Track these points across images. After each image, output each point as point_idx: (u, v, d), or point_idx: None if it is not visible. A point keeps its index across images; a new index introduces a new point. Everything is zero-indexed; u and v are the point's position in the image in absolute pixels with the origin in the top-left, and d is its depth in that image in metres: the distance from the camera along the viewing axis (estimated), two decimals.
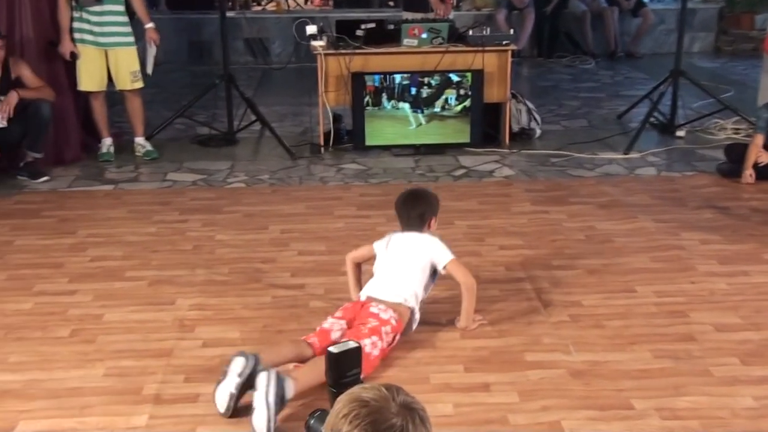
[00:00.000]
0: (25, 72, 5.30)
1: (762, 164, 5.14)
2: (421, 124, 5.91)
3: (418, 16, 6.36)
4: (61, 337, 3.39)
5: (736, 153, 5.35)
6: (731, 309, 3.57)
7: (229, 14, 8.10)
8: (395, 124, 5.89)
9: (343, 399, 1.54)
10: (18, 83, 5.26)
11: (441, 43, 5.87)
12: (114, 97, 6.09)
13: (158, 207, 4.91)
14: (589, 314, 3.54)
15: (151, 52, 5.87)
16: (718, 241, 4.31)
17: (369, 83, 5.79)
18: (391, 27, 6.06)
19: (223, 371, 2.85)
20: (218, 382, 2.84)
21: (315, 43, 5.92)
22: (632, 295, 3.72)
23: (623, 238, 4.37)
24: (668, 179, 5.40)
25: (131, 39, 5.73)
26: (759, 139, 5.14)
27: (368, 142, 5.92)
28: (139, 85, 5.84)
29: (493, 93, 5.97)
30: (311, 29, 5.97)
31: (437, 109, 5.88)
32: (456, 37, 5.97)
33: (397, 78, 5.80)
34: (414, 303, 3.31)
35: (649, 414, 2.82)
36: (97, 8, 5.54)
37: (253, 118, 6.35)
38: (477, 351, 3.24)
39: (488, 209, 4.82)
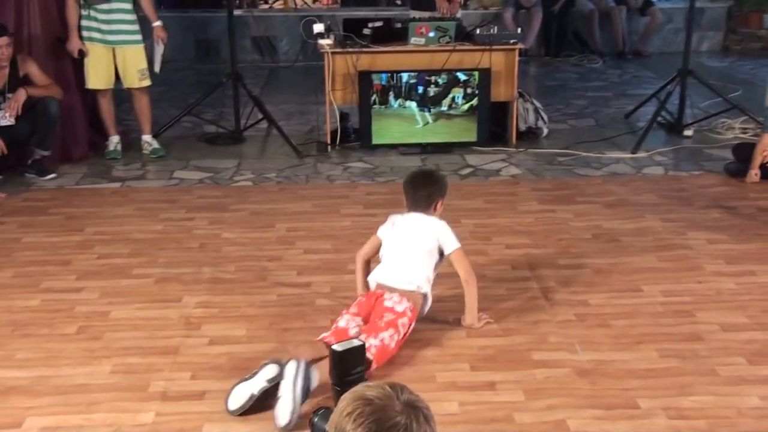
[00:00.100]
0: (33, 70, 5.32)
1: None
2: (428, 123, 5.91)
3: (426, 14, 6.35)
4: (68, 334, 3.40)
5: (744, 152, 5.33)
6: (738, 308, 3.57)
7: (237, 12, 8.13)
8: (402, 123, 5.89)
9: (347, 397, 1.54)
10: (26, 81, 5.28)
11: (448, 42, 5.87)
12: (121, 95, 6.11)
13: (165, 205, 4.92)
14: (596, 313, 3.53)
15: (159, 50, 5.88)
16: (725, 241, 4.30)
17: (376, 82, 5.79)
18: (399, 26, 6.07)
19: (252, 372, 2.85)
20: (242, 379, 2.85)
21: (322, 42, 5.92)
22: (639, 294, 3.71)
23: (630, 238, 4.36)
24: (675, 179, 5.38)
25: (139, 37, 5.74)
26: (766, 139, 5.12)
27: (375, 140, 5.92)
28: (147, 83, 5.85)
29: (500, 92, 5.97)
30: (318, 28, 5.98)
31: (444, 108, 5.87)
32: (463, 35, 5.96)
33: (404, 77, 5.80)
34: (427, 288, 3.30)
35: (655, 413, 2.82)
36: (105, 6, 5.55)
37: (260, 116, 6.35)
38: (483, 349, 3.24)
39: (495, 208, 4.82)
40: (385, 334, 3.07)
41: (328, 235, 4.42)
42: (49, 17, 5.66)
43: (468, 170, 5.55)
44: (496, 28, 6.03)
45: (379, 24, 5.96)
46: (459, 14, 6.73)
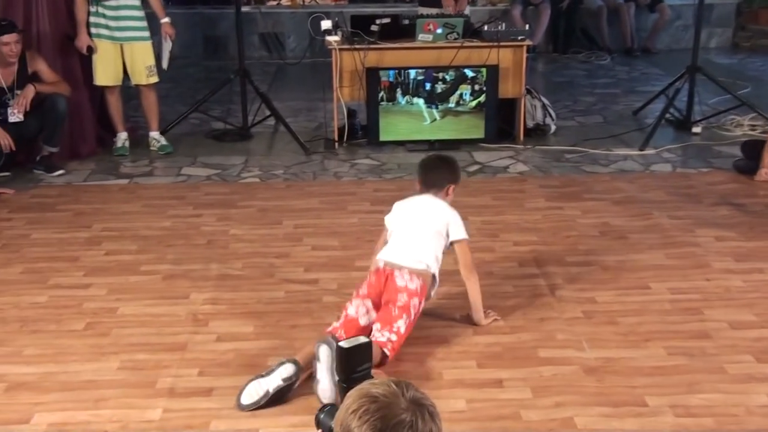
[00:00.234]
0: (41, 66, 5.33)
1: None
2: (435, 120, 5.90)
3: (434, 11, 6.34)
4: (75, 330, 3.41)
5: (753, 150, 5.31)
6: (746, 306, 3.55)
7: (245, 9, 8.12)
8: (409, 120, 5.89)
9: (352, 394, 1.54)
10: (34, 78, 5.30)
11: (456, 39, 5.86)
12: (129, 91, 6.12)
13: (173, 201, 4.93)
14: (603, 311, 3.53)
15: (167, 46, 5.88)
16: (734, 238, 4.28)
17: (384, 78, 5.79)
18: (406, 22, 6.06)
19: (268, 370, 2.86)
20: (257, 376, 2.86)
21: (330, 38, 5.92)
22: (646, 291, 3.70)
23: (638, 235, 4.35)
24: (684, 176, 5.37)
25: (147, 33, 5.75)
26: None
27: (382, 137, 5.91)
28: (155, 79, 5.86)
29: (507, 89, 5.96)
30: (326, 24, 5.97)
31: (452, 105, 5.87)
32: (471, 32, 5.95)
33: (412, 73, 5.79)
34: (436, 268, 3.28)
35: (663, 411, 2.81)
36: (113, 2, 5.55)
37: (268, 113, 6.36)
38: (490, 347, 3.24)
39: (502, 205, 4.81)
40: (400, 323, 3.07)
41: (335, 232, 4.42)
42: (58, 14, 5.67)
43: (475, 167, 5.54)
44: (504, 24, 6.00)
45: (386, 21, 5.95)
46: (467, 11, 6.72)
